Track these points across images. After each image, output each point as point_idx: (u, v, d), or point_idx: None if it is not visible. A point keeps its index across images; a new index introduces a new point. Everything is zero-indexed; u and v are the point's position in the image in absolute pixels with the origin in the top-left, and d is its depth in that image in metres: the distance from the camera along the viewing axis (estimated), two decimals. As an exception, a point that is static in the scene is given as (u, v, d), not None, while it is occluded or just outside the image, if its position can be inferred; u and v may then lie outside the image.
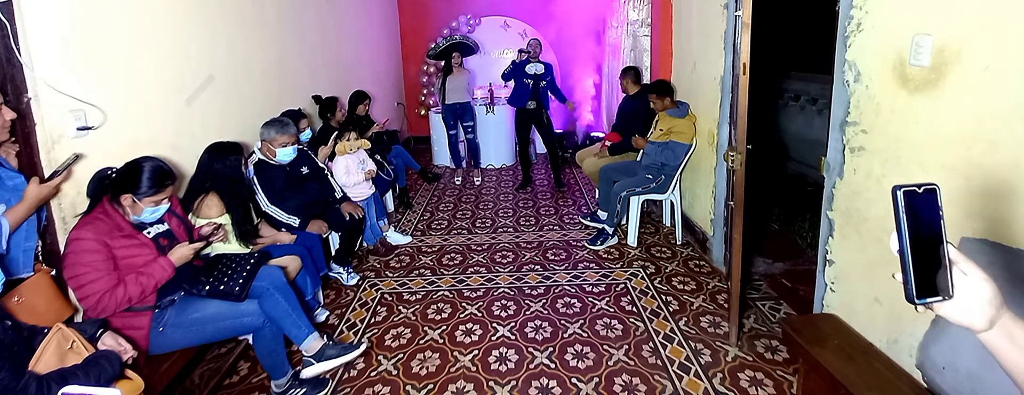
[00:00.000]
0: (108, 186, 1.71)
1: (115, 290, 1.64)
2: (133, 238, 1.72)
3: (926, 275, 0.56)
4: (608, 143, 3.98)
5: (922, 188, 0.57)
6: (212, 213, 2.18)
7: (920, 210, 0.56)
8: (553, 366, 2.19)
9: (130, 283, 1.68)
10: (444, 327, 2.52)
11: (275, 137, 2.58)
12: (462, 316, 2.61)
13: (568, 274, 3.06)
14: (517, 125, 4.74)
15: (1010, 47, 1.24)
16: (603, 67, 6.88)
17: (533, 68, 4.50)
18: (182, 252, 1.81)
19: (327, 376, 2.13)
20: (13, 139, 1.62)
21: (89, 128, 1.84)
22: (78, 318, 1.78)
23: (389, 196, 4.22)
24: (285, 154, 2.64)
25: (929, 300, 0.56)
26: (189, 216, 2.12)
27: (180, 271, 1.80)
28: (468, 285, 2.95)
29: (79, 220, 1.67)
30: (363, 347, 2.19)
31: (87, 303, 1.62)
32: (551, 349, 2.31)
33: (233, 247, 2.25)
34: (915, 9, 1.51)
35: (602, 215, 3.71)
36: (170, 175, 1.78)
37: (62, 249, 1.68)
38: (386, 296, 2.86)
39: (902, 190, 0.56)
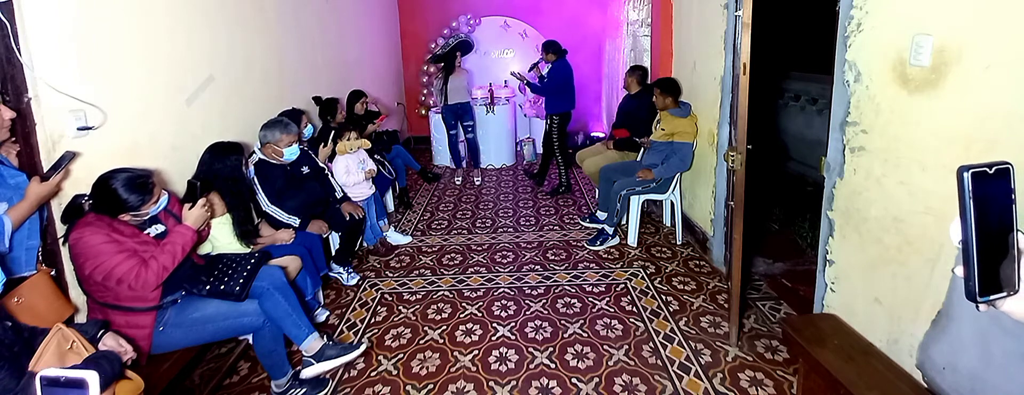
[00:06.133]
0: (89, 212, 1.65)
1: (147, 264, 1.65)
2: (136, 236, 1.72)
3: (990, 268, 0.50)
4: (617, 137, 3.97)
5: (994, 168, 0.49)
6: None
7: (989, 194, 0.49)
8: (553, 366, 2.19)
9: (157, 254, 1.68)
10: (444, 327, 2.52)
11: (281, 137, 2.59)
12: (462, 316, 2.61)
13: (568, 274, 3.06)
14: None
15: (1010, 47, 1.24)
16: (603, 67, 6.89)
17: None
18: (195, 214, 1.82)
19: (327, 376, 2.13)
20: (13, 139, 1.62)
21: (89, 128, 1.83)
22: (79, 318, 1.78)
23: (389, 196, 4.22)
24: (292, 152, 2.65)
25: (993, 297, 0.50)
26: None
27: (180, 271, 1.80)
28: (468, 285, 2.95)
29: (71, 226, 1.63)
30: (363, 347, 2.19)
31: (128, 283, 1.61)
32: (551, 349, 2.31)
33: (233, 247, 2.25)
34: (915, 9, 1.51)
35: (601, 215, 3.72)
36: (145, 175, 1.71)
37: (69, 252, 1.66)
38: (386, 296, 2.86)
39: (970, 171, 0.49)
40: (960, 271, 0.51)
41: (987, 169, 0.49)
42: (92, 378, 0.71)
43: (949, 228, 0.52)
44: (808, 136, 4.63)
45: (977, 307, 0.51)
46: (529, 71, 4.68)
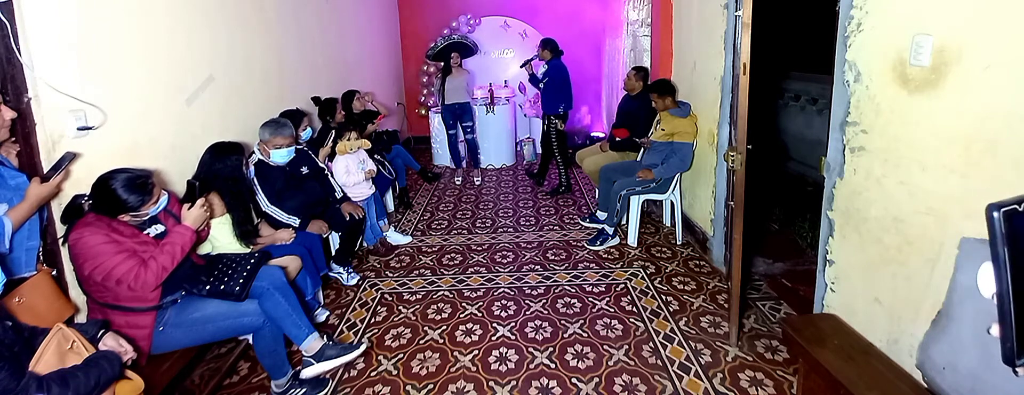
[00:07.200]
0: (88, 212, 1.65)
1: (146, 264, 1.65)
2: (135, 236, 1.72)
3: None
4: (617, 138, 3.97)
5: None
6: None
7: (1022, 234, 0.40)
8: (553, 366, 2.19)
9: (156, 255, 1.68)
10: (444, 327, 2.52)
11: (270, 138, 2.55)
12: (462, 316, 2.61)
13: (568, 274, 3.06)
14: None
15: (1010, 47, 1.24)
16: (603, 66, 6.88)
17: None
18: (194, 214, 1.82)
19: (327, 376, 2.13)
20: (14, 139, 1.62)
21: (89, 128, 1.83)
22: (79, 318, 1.78)
23: (389, 196, 4.22)
24: (279, 156, 2.59)
25: None
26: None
27: (180, 271, 1.80)
28: (468, 285, 2.95)
29: (71, 226, 1.63)
30: (363, 347, 2.19)
31: (127, 284, 1.61)
32: (551, 349, 2.31)
33: (233, 247, 2.25)
34: (915, 9, 1.51)
35: (601, 215, 3.71)
36: (145, 175, 1.70)
37: (68, 252, 1.66)
38: (386, 296, 2.86)
39: (1000, 211, 0.40)
40: (996, 331, 0.43)
41: (1017, 206, 0.42)
42: None
43: (978, 278, 0.44)
44: (808, 136, 4.63)
45: (1015, 372, 0.43)
46: (521, 67, 4.68)
